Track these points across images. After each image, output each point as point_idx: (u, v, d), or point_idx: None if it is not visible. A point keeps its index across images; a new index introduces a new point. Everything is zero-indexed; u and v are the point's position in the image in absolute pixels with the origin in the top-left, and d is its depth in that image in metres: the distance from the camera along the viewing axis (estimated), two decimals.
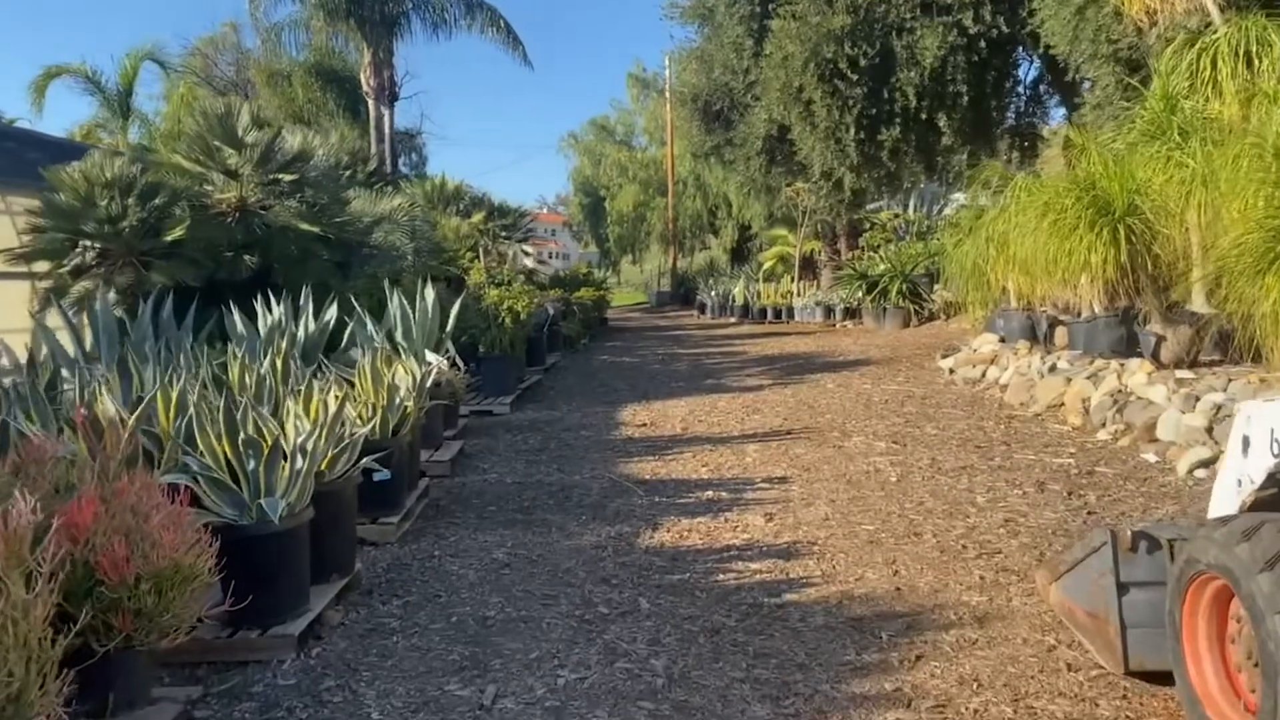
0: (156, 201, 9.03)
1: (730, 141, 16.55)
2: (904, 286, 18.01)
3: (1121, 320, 8.41)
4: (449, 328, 7.51)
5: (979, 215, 10.98)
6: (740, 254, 36.54)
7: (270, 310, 6.92)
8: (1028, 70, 17.57)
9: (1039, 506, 5.56)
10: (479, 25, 24.80)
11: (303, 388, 4.36)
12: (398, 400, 5.36)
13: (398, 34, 25.38)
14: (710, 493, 6.18)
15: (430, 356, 6.76)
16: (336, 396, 4.54)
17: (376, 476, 5.14)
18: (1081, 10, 11.57)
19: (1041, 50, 15.67)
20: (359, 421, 4.95)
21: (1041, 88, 17.81)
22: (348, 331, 7.23)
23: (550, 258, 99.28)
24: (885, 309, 18.08)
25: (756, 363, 13.42)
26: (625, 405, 10.03)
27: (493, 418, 9.44)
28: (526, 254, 22.78)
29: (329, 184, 11.04)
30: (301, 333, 6.84)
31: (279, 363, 5.43)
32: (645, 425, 8.82)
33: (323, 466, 4.12)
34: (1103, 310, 8.55)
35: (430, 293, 7.24)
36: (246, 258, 9.52)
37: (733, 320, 23.68)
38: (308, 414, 4.19)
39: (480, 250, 19.47)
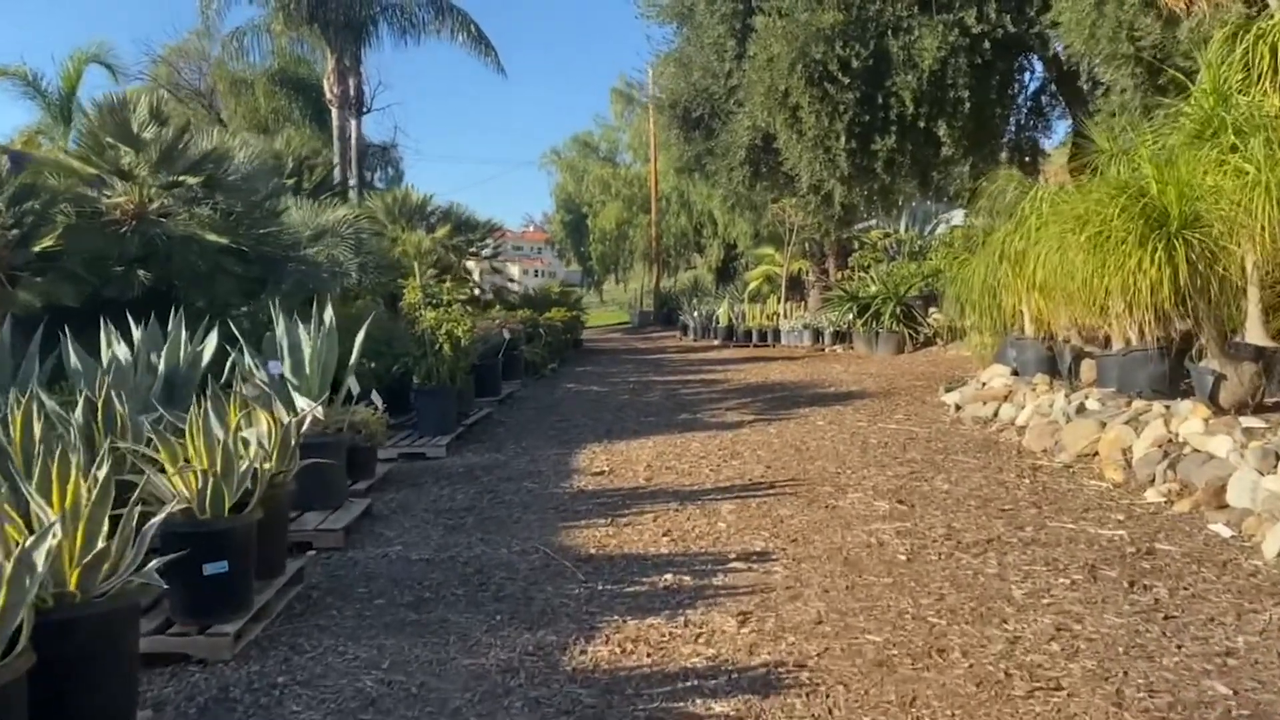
0: (31, 205, 7.66)
1: (711, 151, 15.29)
2: (898, 309, 16.76)
3: (1163, 354, 7.11)
4: (353, 358, 6.13)
5: (989, 230, 9.71)
6: (726, 273, 35.34)
7: (153, 335, 5.54)
8: (1030, 79, 16.43)
9: (1096, 605, 4.22)
10: (449, 30, 23.59)
11: (57, 463, 2.97)
12: (246, 463, 3.98)
13: (365, 40, 24.14)
14: (670, 576, 4.82)
15: (301, 402, 5.39)
16: (147, 458, 3.18)
17: (209, 569, 3.79)
18: (1100, 3, 10.35)
19: (1051, 53, 14.52)
20: (181, 491, 3.58)
21: (1044, 98, 16.63)
22: (228, 364, 5.85)
23: (536, 275, 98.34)
24: (878, 333, 16.82)
25: (738, 393, 12.08)
26: (584, 446, 8.67)
27: (424, 462, 8.06)
28: (496, 271, 21.47)
29: (249, 190, 9.68)
30: (163, 365, 5.46)
31: (95, 409, 4.06)
32: (603, 473, 7.46)
33: (70, 584, 2.75)
34: (1140, 341, 7.24)
35: (329, 315, 5.87)
36: (140, 273, 8.15)
37: (716, 343, 22.37)
38: (53, 500, 2.82)
39: (443, 267, 18.13)
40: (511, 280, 22.90)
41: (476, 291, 19.92)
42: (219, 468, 3.79)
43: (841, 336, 18.46)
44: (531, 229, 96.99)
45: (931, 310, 18.02)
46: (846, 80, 12.48)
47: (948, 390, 10.29)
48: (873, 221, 25.37)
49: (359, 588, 4.70)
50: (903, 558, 5.03)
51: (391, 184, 36.55)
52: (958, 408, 9.42)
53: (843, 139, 12.72)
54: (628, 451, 8.36)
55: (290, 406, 5.29)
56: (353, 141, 25.45)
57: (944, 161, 13.49)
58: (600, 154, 43.05)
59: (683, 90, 15.02)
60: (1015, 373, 9.46)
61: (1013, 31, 12.38)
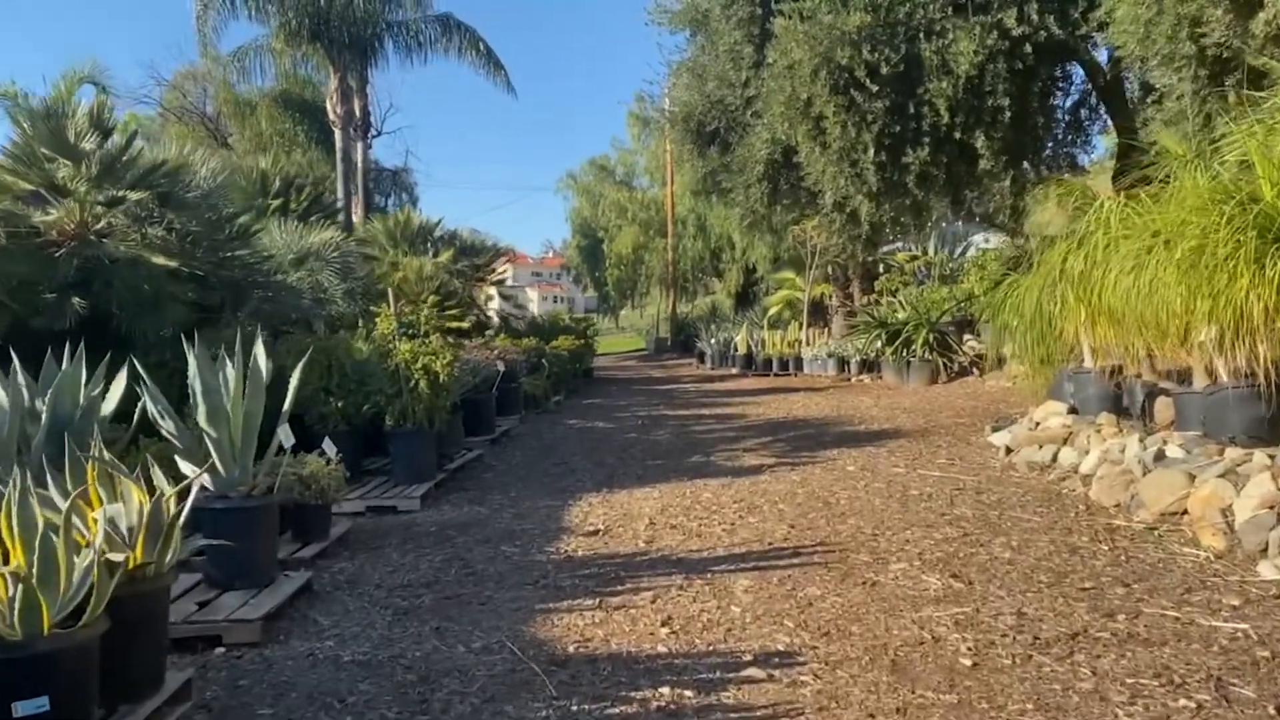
0: None
1: (728, 167, 14.27)
2: (930, 337, 15.61)
3: (1260, 392, 5.97)
4: (287, 403, 5.09)
5: (1042, 250, 8.61)
6: (745, 298, 34.25)
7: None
8: (1070, 89, 15.32)
9: None
10: (457, 48, 22.79)
11: None
12: (90, 556, 2.94)
13: (370, 59, 23.40)
14: (666, 690, 3.72)
15: (185, 467, 4.34)
16: None
17: (22, 709, 2.75)
18: None
19: (1095, 59, 13.43)
20: None
21: (1083, 111, 15.51)
22: (138, 410, 4.82)
23: (556, 301, 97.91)
24: (909, 362, 15.67)
25: (757, 431, 10.96)
26: (580, 496, 7.59)
27: (394, 517, 7.01)
28: (505, 297, 20.52)
29: (210, 208, 8.72)
30: (48, 412, 4.44)
31: None
32: (597, 533, 6.37)
33: None
34: (1233, 377, 6.10)
35: (259, 352, 4.84)
36: (75, 300, 7.19)
37: (734, 371, 21.27)
38: None
39: (447, 293, 17.19)
40: (520, 307, 21.93)
41: (482, 318, 18.97)
42: (36, 569, 2.75)
43: (869, 366, 17.33)
44: (550, 255, 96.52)
45: (967, 338, 16.88)
46: (875, 88, 11.44)
47: (995, 429, 9.15)
48: (898, 244, 24.28)
49: (261, 708, 3.63)
50: (966, 661, 3.90)
51: (405, 209, 35.91)
52: (1009, 451, 8.27)
53: (871, 151, 11.66)
54: (629, 503, 7.27)
55: (213, 463, 4.25)
56: (358, 164, 24.70)
57: (982, 176, 12.38)
58: (617, 178, 42.19)
59: (697, 102, 14.02)
60: (1073, 411, 8.31)
61: (1057, 34, 11.29)
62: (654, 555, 5.77)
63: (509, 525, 6.69)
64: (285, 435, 4.81)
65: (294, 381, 5.02)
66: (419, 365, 7.39)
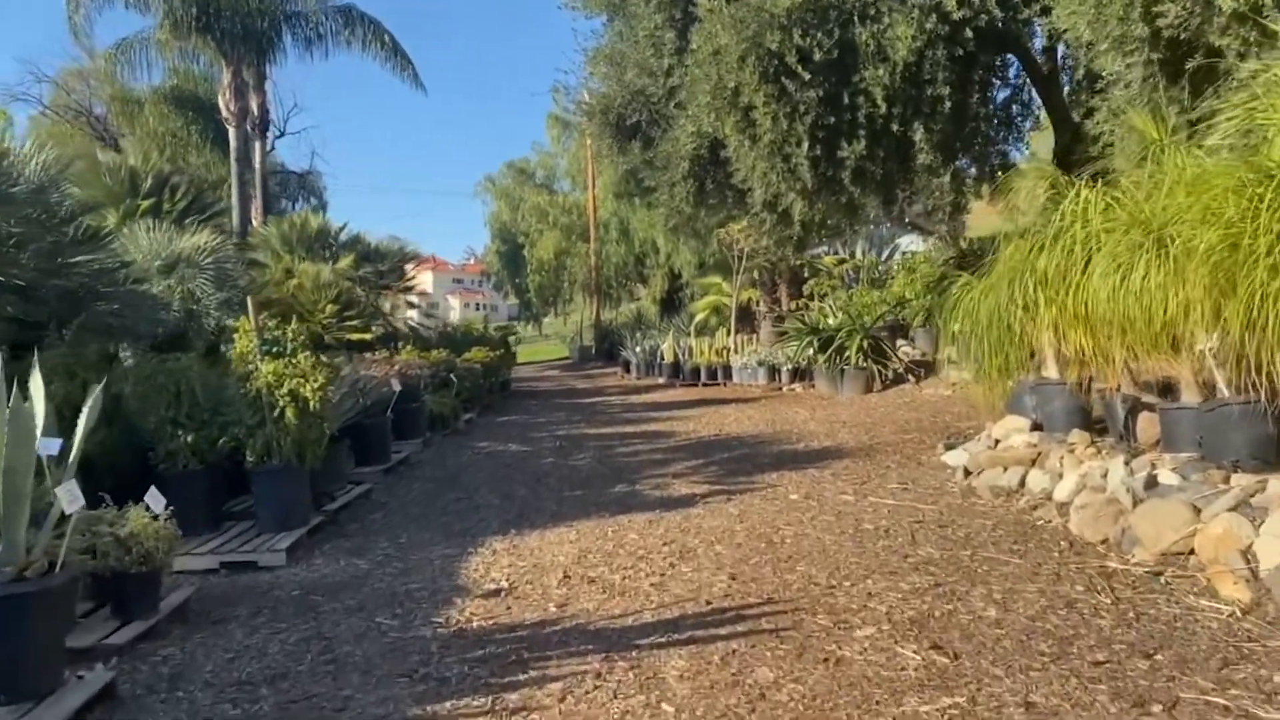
0: None
1: (650, 164, 13.27)
2: (864, 343, 14.83)
3: (1265, 410, 5.16)
4: (75, 446, 3.86)
5: (998, 247, 7.79)
6: (671, 304, 33.32)
7: None
8: (999, 86, 14.70)
9: None
10: (361, 41, 21.40)
11: None
12: None
13: (269, 54, 21.86)
14: None
15: None
16: None
17: None
18: None
19: (1036, 46, 12.80)
20: None
21: (1015, 108, 14.91)
22: None
23: (477, 309, 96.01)
24: (843, 370, 14.86)
25: (687, 451, 9.95)
26: (483, 542, 6.47)
27: (253, 576, 5.80)
28: (412, 306, 19.20)
29: (41, 206, 7.37)
30: None
31: None
32: (500, 593, 5.26)
33: None
34: (1234, 391, 5.29)
35: (36, 384, 3.61)
36: None
37: (661, 381, 20.29)
38: None
39: (347, 302, 15.86)
40: (430, 315, 20.60)
41: (389, 329, 17.64)
42: None
43: (801, 374, 16.50)
44: (472, 261, 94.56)
45: (901, 343, 16.19)
46: (807, 75, 10.54)
47: (948, 447, 8.29)
48: (824, 248, 23.64)
49: None
50: None
51: (304, 212, 34.30)
52: (967, 473, 7.40)
53: (804, 145, 10.76)
54: (541, 549, 6.17)
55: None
56: (256, 164, 23.11)
57: (921, 171, 11.59)
58: (537, 181, 40.96)
59: (615, 93, 12.98)
60: (1037, 427, 7.48)
61: (998, 16, 10.55)
62: (568, 624, 4.68)
63: (391, 584, 5.53)
64: (69, 496, 3.59)
65: (84, 420, 3.80)
66: (284, 390, 6.17)
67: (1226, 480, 5.16)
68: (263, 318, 7.49)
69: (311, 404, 6.17)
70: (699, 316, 24.34)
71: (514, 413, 15.03)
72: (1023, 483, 6.76)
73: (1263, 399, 5.10)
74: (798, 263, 21.34)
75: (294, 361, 6.27)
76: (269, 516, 6.37)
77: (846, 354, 14.88)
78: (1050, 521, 6.06)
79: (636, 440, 10.91)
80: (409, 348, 15.33)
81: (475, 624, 4.76)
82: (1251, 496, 4.87)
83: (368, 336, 15.82)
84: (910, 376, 14.79)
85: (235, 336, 6.55)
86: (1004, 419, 7.81)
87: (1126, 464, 5.84)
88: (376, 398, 9.26)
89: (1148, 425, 6.16)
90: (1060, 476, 6.45)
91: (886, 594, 4.86)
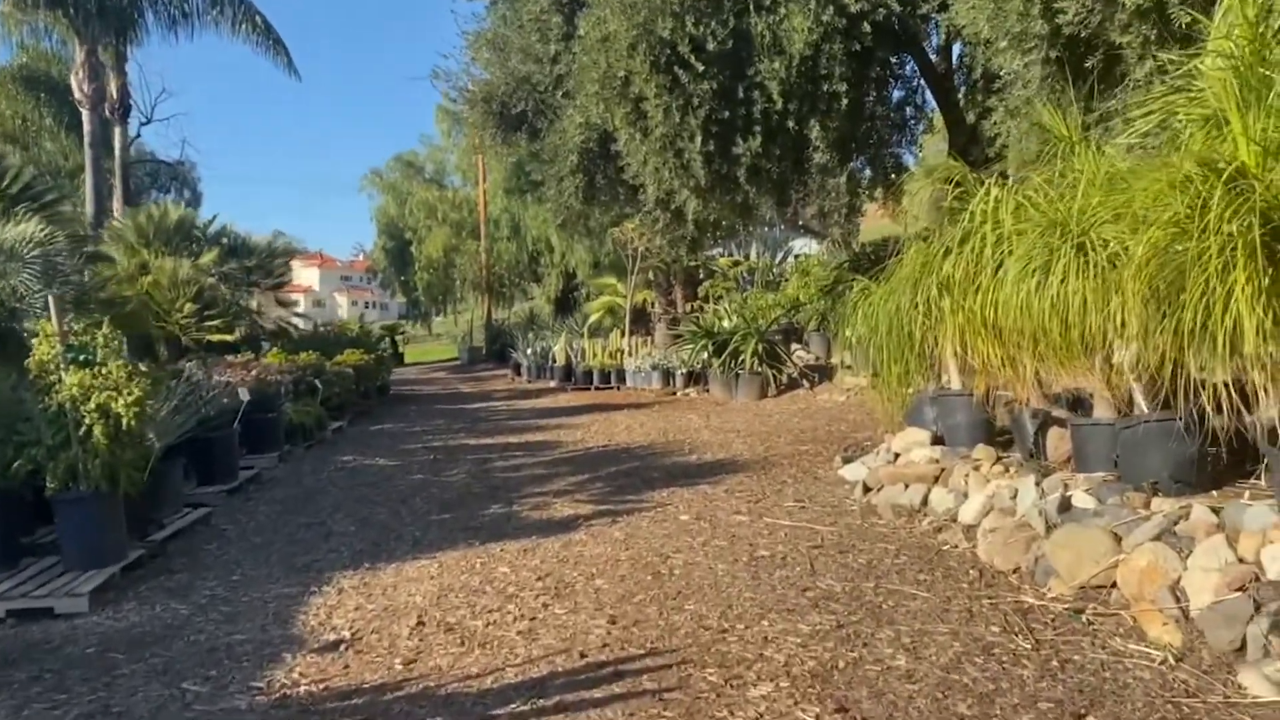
0: None
1: (537, 156, 12.54)
2: (759, 347, 14.41)
3: (1190, 427, 4.78)
4: None
5: (899, 250, 7.35)
6: (566, 304, 32.56)
7: None
8: (895, 87, 14.49)
9: None
10: (230, 22, 19.99)
11: None
12: None
13: (128, 32, 20.23)
14: None
15: None
16: None
17: None
18: None
19: (933, 43, 12.58)
20: None
21: (909, 110, 14.72)
22: None
23: (367, 307, 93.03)
24: (738, 374, 14.40)
25: (573, 465, 9.26)
26: (329, 578, 5.65)
27: (48, 625, 4.88)
28: (283, 304, 17.97)
29: None
30: None
31: None
32: (337, 647, 4.48)
33: None
34: (1154, 406, 4.91)
35: None
36: None
37: (552, 385, 19.55)
38: None
39: (209, 301, 14.67)
40: (299, 315, 19.35)
41: (257, 330, 16.42)
42: None
43: (695, 378, 16.00)
44: (360, 258, 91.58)
45: (795, 347, 15.85)
46: (701, 66, 10.01)
47: (845, 460, 7.82)
48: (719, 249, 23.29)
49: None
50: None
51: (164, 202, 32.39)
52: (866, 489, 6.93)
53: (698, 140, 10.23)
54: (395, 587, 5.40)
55: None
56: (116, 151, 21.41)
57: (817, 171, 11.20)
58: (426, 175, 39.60)
59: (499, 80, 12.19)
60: (938, 440, 7.07)
61: (896, 10, 10.21)
62: (414, 688, 3.95)
63: (213, 635, 4.68)
64: None
65: None
66: (92, 405, 5.23)
67: (1147, 505, 4.76)
68: (69, 319, 6.45)
69: (126, 421, 5.25)
70: (593, 318, 23.68)
71: (390, 420, 14.06)
72: (925, 501, 6.32)
73: (1180, 417, 4.71)
74: (693, 264, 20.89)
75: (104, 372, 5.33)
76: (75, 552, 5.42)
77: (741, 358, 14.43)
78: (957, 547, 5.61)
79: (519, 452, 10.16)
80: (275, 350, 14.21)
81: (303, 688, 3.98)
82: (1176, 524, 4.47)
83: (231, 338, 14.63)
84: (805, 382, 14.44)
85: (35, 342, 5.56)
86: (904, 431, 7.38)
87: (1037, 484, 5.42)
88: (223, 407, 8.28)
89: (1058, 441, 5.77)
90: (965, 496, 6.02)
91: (785, 638, 4.29)
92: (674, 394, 16.02)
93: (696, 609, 4.76)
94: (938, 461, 6.59)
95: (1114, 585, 4.47)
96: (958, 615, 4.49)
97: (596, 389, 17.80)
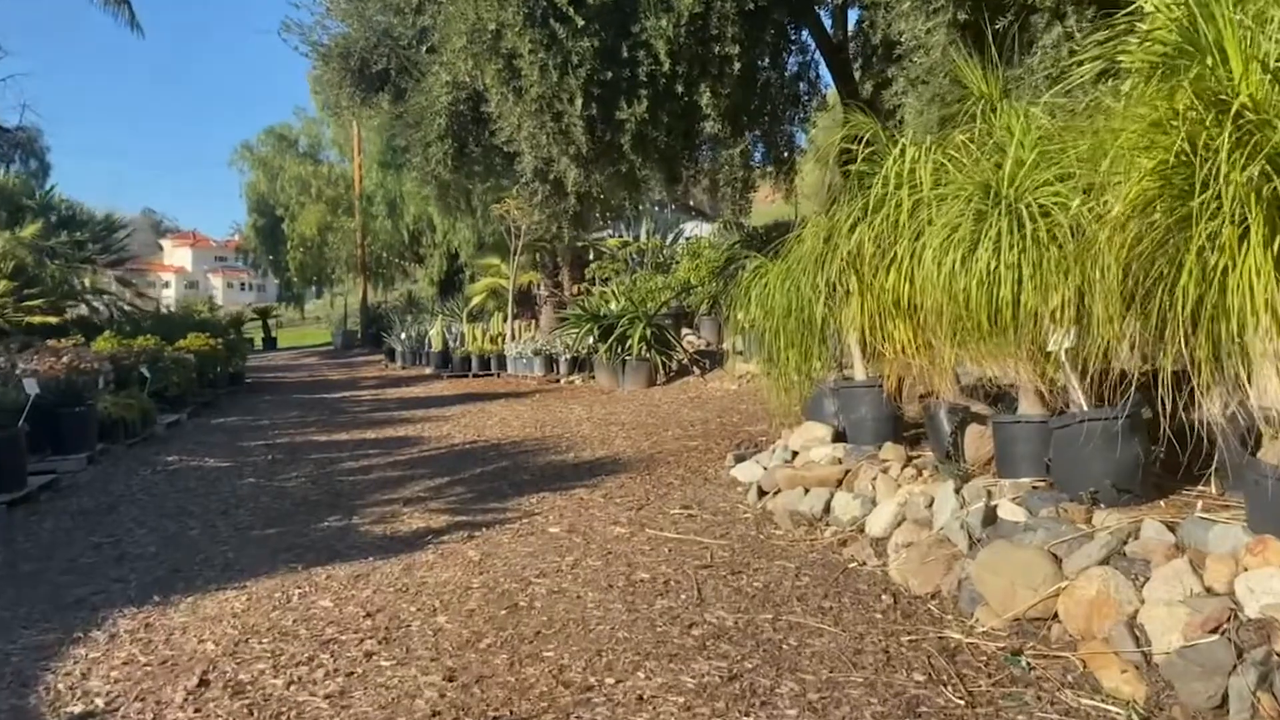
0: None
1: (401, 119, 11.34)
2: (647, 332, 13.58)
3: (1135, 425, 4.12)
4: None
5: (801, 224, 6.57)
6: (451, 286, 31.06)
7: None
8: (793, 55, 13.79)
9: None
10: None
11: None
12: None
13: None
14: None
15: None
16: None
17: None
18: None
19: (829, 6, 11.89)
20: None
21: (802, 85, 14.05)
22: None
23: (244, 289, 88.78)
24: (625, 361, 13.56)
25: (433, 465, 8.20)
26: (105, 617, 4.52)
27: None
28: (125, 284, 16.24)
29: None
30: None
31: None
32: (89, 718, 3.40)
33: None
34: (1093, 402, 4.22)
35: None
36: None
37: (428, 372, 18.34)
38: None
39: (29, 278, 13.00)
40: (141, 294, 17.58)
41: (90, 312, 14.73)
42: None
43: (580, 364, 15.08)
44: (237, 236, 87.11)
45: (686, 332, 15.10)
46: (581, 21, 9.01)
47: (738, 459, 7.02)
48: (608, 230, 22.40)
49: None
50: None
51: (31, 179, 29.67)
52: (761, 493, 6.13)
53: (578, 102, 9.23)
54: (186, 630, 4.31)
55: None
56: None
57: (708, 141, 10.37)
58: (300, 149, 37.33)
59: (357, 34, 10.94)
60: (840, 437, 6.32)
61: None
62: None
63: None
64: None
65: None
66: None
67: (1088, 518, 4.06)
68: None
69: None
70: (475, 300, 22.45)
71: (237, 412, 12.64)
72: (828, 509, 5.54)
73: (1123, 414, 4.03)
74: (581, 244, 19.93)
75: None
76: None
77: (629, 343, 13.58)
78: (865, 564, 4.83)
79: (373, 450, 9.03)
80: (108, 334, 12.63)
81: None
82: (1125, 543, 3.77)
83: (55, 320, 12.97)
84: (695, 368, 13.70)
85: None
86: (802, 426, 6.62)
87: (957, 491, 4.68)
88: (12, 402, 6.93)
89: (978, 441, 5.06)
90: (874, 503, 5.26)
91: (665, 697, 3.41)
92: (557, 382, 15.06)
93: (558, 656, 3.84)
94: (841, 462, 5.83)
95: (1055, 617, 3.74)
96: (872, 658, 3.70)
97: (475, 376, 16.70)
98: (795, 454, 6.44)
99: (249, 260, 47.69)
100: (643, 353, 13.42)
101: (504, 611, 4.39)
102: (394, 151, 16.67)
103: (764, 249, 7.97)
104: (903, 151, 4.79)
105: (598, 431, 9.49)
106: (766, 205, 20.97)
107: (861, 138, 5.38)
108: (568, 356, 15.26)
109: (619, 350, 13.65)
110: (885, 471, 5.41)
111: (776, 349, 6.62)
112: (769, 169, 13.26)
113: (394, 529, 5.99)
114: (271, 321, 37.91)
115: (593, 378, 14.53)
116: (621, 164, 10.20)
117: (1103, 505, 4.13)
